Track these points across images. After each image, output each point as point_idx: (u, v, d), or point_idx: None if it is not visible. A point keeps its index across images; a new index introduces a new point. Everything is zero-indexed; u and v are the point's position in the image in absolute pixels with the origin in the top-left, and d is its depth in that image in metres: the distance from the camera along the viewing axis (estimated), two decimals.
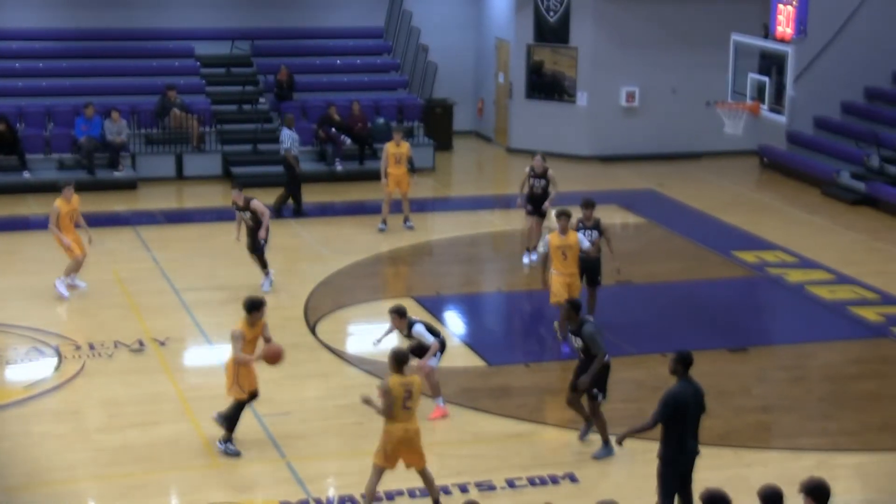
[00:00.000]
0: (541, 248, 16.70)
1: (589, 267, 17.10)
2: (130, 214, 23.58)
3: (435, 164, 27.67)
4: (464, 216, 24.20)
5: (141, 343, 16.73)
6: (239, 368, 13.43)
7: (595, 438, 13.71)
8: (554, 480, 13.06)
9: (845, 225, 23.88)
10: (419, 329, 14.40)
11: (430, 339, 14.38)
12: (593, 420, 13.64)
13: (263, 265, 18.91)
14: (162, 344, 16.77)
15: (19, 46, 27.86)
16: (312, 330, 17.43)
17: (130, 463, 13.34)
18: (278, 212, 22.91)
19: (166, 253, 20.97)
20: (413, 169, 22.55)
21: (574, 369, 13.54)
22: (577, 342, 13.39)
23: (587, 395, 13.42)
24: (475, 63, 31.18)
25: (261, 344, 13.60)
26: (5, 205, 23.75)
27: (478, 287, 20.52)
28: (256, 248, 18.79)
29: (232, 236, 19.24)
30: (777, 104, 21.93)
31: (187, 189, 25.91)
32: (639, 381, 15.71)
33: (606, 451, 13.57)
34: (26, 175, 24.80)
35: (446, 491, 12.70)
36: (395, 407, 11.81)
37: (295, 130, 23.53)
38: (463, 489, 12.78)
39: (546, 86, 29.26)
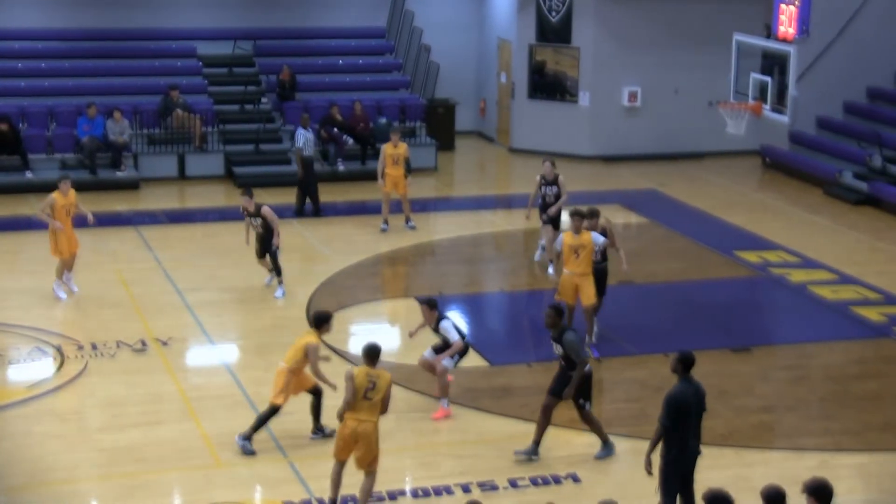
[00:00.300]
0: (556, 248, 16.73)
1: (597, 278, 16.92)
2: (133, 214, 23.58)
3: (437, 165, 27.67)
4: (466, 216, 24.18)
5: (143, 343, 16.74)
6: (292, 378, 13.47)
7: (594, 440, 13.69)
8: (556, 480, 13.05)
9: (848, 225, 23.87)
10: (446, 325, 14.42)
11: (454, 336, 14.38)
12: (588, 426, 13.58)
13: (278, 272, 18.84)
14: (164, 344, 16.77)
15: (22, 46, 27.88)
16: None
17: (132, 463, 13.34)
18: (300, 212, 22.98)
19: (169, 253, 20.97)
20: (409, 171, 22.51)
21: (555, 375, 13.49)
22: (558, 349, 13.34)
23: (574, 405, 13.38)
24: (477, 63, 31.18)
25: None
26: (8, 205, 23.75)
27: (480, 287, 20.50)
28: (270, 255, 18.74)
29: (241, 238, 19.19)
30: (779, 104, 21.89)
31: (189, 189, 25.92)
32: (641, 381, 15.74)
33: (607, 450, 13.58)
34: (29, 175, 24.80)
35: (449, 491, 12.71)
36: (356, 396, 11.79)
37: (310, 130, 23.63)
38: (465, 489, 12.77)
39: (548, 86, 29.25)
